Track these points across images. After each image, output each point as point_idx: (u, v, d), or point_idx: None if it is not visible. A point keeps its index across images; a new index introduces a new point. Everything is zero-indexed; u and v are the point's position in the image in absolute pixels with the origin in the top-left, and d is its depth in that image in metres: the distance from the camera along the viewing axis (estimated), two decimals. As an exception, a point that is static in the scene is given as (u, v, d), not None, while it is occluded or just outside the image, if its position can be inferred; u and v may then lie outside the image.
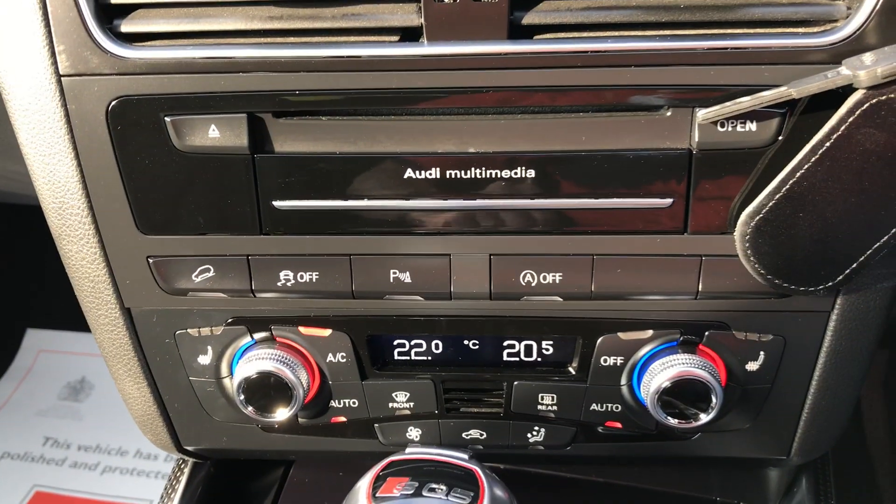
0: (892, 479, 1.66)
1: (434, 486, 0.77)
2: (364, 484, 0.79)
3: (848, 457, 1.32)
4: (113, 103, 0.87)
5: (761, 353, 0.98)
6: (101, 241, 0.95)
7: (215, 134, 0.87)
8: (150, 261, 0.96)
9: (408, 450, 0.84)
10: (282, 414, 1.01)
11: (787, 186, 0.84)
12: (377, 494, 0.77)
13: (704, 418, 0.97)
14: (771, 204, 0.85)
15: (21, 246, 2.60)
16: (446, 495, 0.77)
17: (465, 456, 0.82)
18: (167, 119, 0.87)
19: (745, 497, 1.19)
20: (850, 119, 0.80)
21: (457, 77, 0.84)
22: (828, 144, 0.81)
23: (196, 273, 0.96)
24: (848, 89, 0.79)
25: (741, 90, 0.82)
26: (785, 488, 1.19)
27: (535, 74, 0.83)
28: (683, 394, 0.95)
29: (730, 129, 0.84)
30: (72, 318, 1.05)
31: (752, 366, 0.99)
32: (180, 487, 1.20)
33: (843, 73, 0.79)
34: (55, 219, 0.95)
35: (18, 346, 2.64)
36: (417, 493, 0.77)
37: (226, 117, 0.86)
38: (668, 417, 0.97)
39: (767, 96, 0.81)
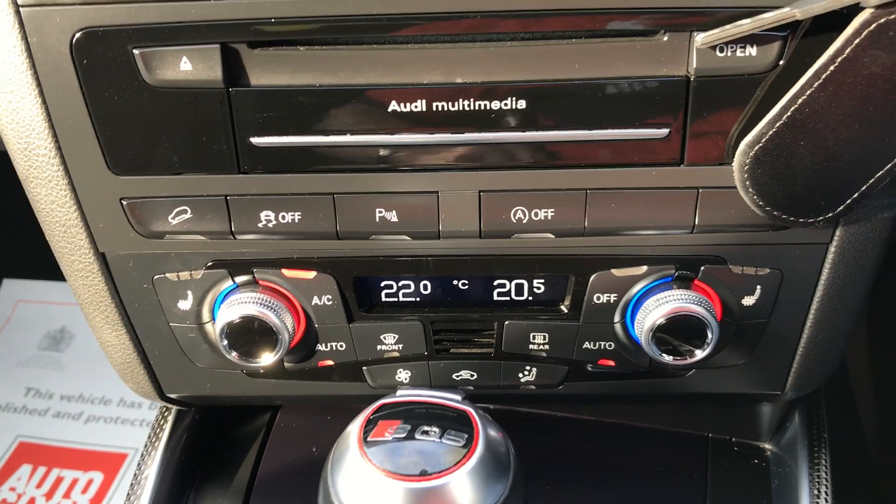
0: (878, 411, 1.68)
1: (427, 428, 0.75)
2: (355, 428, 0.77)
3: (838, 391, 1.32)
4: (77, 35, 0.82)
5: (758, 287, 0.97)
6: (71, 184, 0.91)
7: (187, 66, 0.83)
8: (124, 203, 0.92)
9: (398, 392, 0.82)
10: (267, 359, 0.99)
11: (789, 114, 0.81)
12: (368, 438, 0.75)
13: (700, 354, 0.96)
14: (771, 132, 0.83)
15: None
16: (440, 437, 0.75)
17: (458, 397, 0.80)
18: (135, 51, 0.82)
19: (738, 433, 1.19)
20: (857, 41, 0.76)
21: (442, 1, 0.79)
22: (832, 68, 0.78)
23: (172, 215, 0.92)
24: (854, 10, 0.76)
25: (742, 12, 0.79)
26: (777, 423, 1.18)
27: None
28: (678, 330, 0.94)
29: (728, 53, 0.81)
30: (50, 267, 1.02)
31: (748, 300, 0.98)
32: (164, 436, 1.18)
33: (850, -9, 0.75)
34: (21, 161, 0.91)
35: (-5, 296, 2.60)
36: (410, 436, 0.75)
37: (198, 48, 0.82)
38: (663, 354, 0.96)
39: (769, 18, 0.77)
